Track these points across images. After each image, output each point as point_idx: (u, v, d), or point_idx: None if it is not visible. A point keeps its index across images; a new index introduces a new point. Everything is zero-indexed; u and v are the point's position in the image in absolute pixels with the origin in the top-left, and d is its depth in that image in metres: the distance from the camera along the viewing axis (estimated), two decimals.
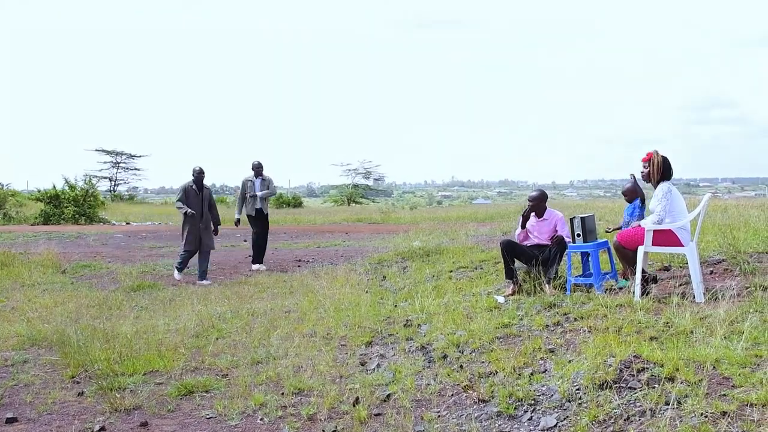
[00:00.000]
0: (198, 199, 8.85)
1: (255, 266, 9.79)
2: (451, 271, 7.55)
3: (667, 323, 4.13)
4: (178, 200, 8.85)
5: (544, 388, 3.50)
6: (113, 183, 46.42)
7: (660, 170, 5.09)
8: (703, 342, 3.67)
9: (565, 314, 4.75)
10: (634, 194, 6.00)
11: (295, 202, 41.82)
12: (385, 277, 8.14)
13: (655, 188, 5.14)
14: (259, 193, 9.79)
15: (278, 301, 6.93)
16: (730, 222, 7.32)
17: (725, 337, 3.70)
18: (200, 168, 8.94)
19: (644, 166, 5.18)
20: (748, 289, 4.75)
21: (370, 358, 4.56)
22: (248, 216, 9.91)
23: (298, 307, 6.39)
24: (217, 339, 5.33)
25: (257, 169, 9.94)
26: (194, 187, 8.89)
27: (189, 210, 8.67)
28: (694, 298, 4.76)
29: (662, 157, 5.12)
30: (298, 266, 10.38)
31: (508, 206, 29.60)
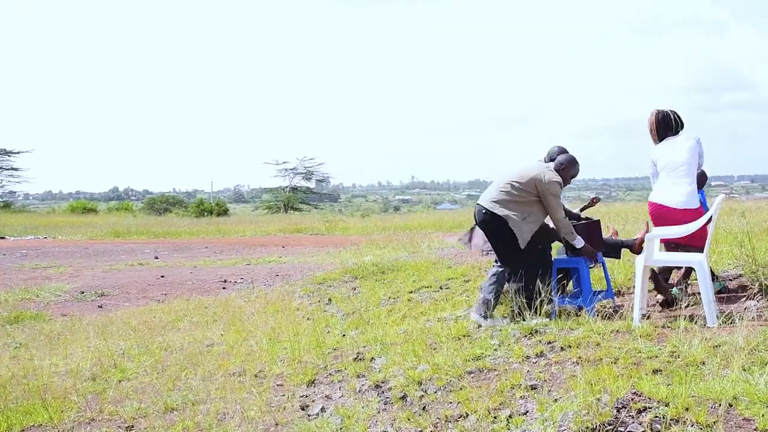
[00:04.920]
0: None
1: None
2: (411, 292, 7.55)
3: (674, 353, 4.18)
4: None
5: None
6: None
7: (657, 129, 5.62)
8: (718, 375, 3.72)
9: (550, 342, 4.78)
10: (701, 183, 5.97)
11: (219, 210, 41.39)
12: (330, 300, 8.10)
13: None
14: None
15: (198, 332, 6.80)
16: (748, 229, 7.50)
17: (744, 369, 3.74)
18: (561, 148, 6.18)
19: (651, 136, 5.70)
20: None
21: (313, 401, 4.49)
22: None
23: (223, 340, 6.28)
24: (119, 381, 5.18)
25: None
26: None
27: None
28: (705, 321, 4.87)
29: (659, 113, 5.63)
30: (223, 288, 10.24)
31: None
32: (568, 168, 5.76)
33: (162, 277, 11.84)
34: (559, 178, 5.61)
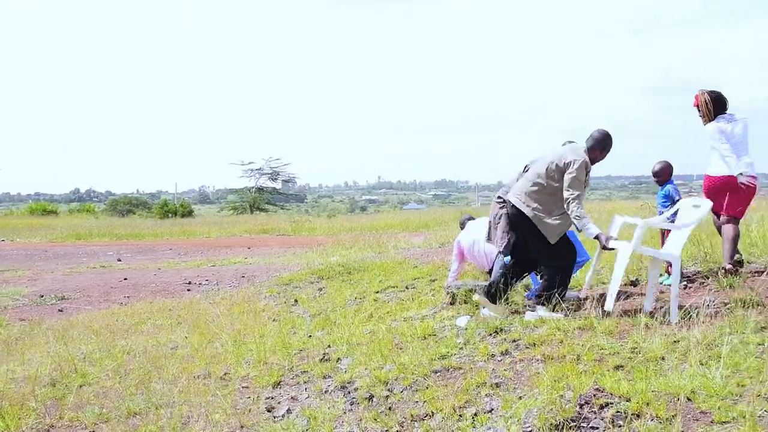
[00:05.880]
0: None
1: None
2: (377, 292, 7.56)
3: (634, 348, 4.25)
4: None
5: (489, 431, 3.54)
6: None
7: (711, 108, 5.79)
8: (676, 370, 3.79)
9: (515, 340, 4.83)
10: (667, 174, 6.30)
11: (184, 211, 40.99)
12: (296, 300, 8.07)
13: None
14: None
15: (162, 334, 6.73)
16: (706, 227, 7.67)
17: (702, 364, 3.83)
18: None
19: (698, 114, 5.88)
20: (727, 306, 4.94)
21: (279, 402, 4.48)
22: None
23: (188, 342, 6.23)
24: (80, 386, 5.10)
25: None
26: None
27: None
28: (665, 316, 4.94)
29: (711, 92, 5.83)
30: (188, 290, 10.15)
31: (445, 211, 30.12)
32: (596, 145, 5.44)
33: (125, 279, 11.70)
34: (582, 158, 5.30)
